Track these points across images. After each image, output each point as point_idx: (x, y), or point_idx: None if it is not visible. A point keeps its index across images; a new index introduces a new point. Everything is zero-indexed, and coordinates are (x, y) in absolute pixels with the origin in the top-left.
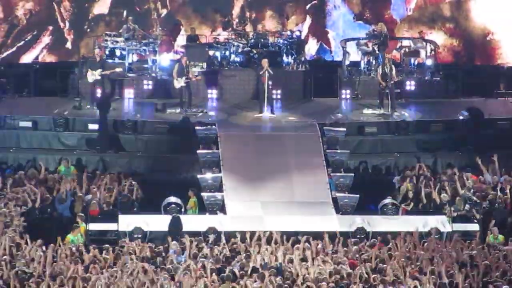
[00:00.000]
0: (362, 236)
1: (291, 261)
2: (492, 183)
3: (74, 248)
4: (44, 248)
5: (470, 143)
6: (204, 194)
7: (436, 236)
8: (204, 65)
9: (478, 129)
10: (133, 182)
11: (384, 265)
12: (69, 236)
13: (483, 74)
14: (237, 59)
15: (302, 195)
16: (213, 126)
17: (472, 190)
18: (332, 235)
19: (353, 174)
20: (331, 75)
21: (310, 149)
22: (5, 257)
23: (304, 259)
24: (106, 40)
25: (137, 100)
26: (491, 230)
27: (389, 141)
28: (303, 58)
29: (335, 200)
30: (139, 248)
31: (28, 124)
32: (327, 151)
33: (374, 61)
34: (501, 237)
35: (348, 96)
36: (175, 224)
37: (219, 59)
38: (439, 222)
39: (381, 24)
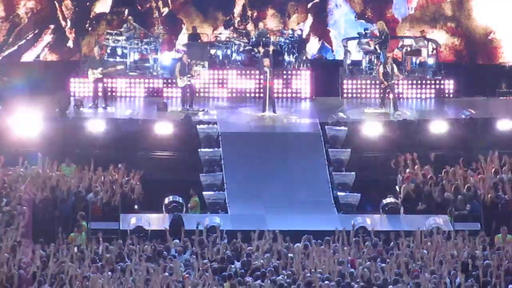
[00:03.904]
0: (364, 235)
1: (292, 260)
2: (495, 182)
3: (75, 247)
4: (45, 246)
5: None
6: (206, 193)
7: (438, 236)
8: (206, 64)
9: None
10: (135, 181)
11: (385, 265)
12: (72, 235)
13: (484, 74)
14: (239, 58)
15: (304, 194)
16: (215, 125)
17: (473, 189)
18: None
19: (354, 173)
20: (333, 74)
21: (312, 148)
22: (6, 255)
23: (305, 258)
24: (108, 39)
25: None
26: (500, 230)
27: (390, 140)
28: (304, 57)
29: (336, 199)
30: (140, 247)
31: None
32: (329, 150)
33: (375, 60)
34: (510, 237)
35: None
36: (176, 223)
37: (220, 58)
38: (441, 222)
39: (381, 23)
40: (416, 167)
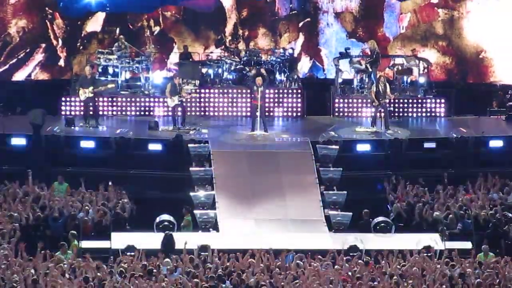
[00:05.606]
0: (355, 254)
1: (283, 279)
2: (486, 201)
3: (65, 266)
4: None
5: None
6: (197, 212)
7: (429, 254)
8: (197, 82)
9: None
10: (126, 200)
11: (377, 283)
12: (57, 254)
13: (476, 92)
14: (230, 76)
15: (295, 213)
16: (206, 144)
17: (464, 208)
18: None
19: (345, 192)
20: (324, 93)
21: (303, 167)
22: None
23: (296, 277)
24: (99, 58)
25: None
26: (482, 249)
27: (382, 159)
28: (295, 76)
29: (328, 218)
30: (131, 266)
31: (21, 141)
32: (320, 169)
33: (367, 79)
34: (491, 255)
35: None
36: (168, 242)
37: (212, 76)
38: (432, 240)
39: (372, 42)
40: (407, 186)
